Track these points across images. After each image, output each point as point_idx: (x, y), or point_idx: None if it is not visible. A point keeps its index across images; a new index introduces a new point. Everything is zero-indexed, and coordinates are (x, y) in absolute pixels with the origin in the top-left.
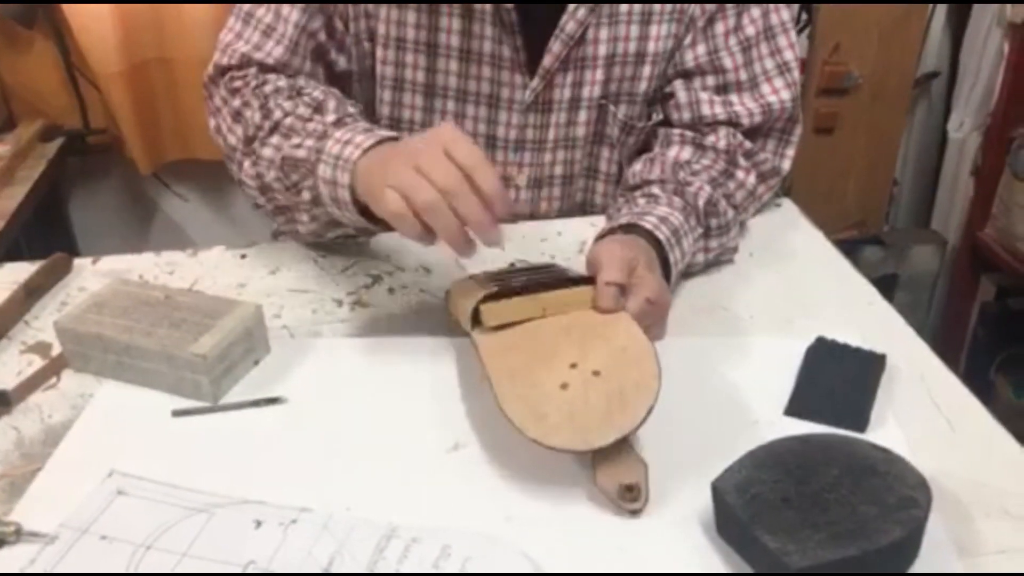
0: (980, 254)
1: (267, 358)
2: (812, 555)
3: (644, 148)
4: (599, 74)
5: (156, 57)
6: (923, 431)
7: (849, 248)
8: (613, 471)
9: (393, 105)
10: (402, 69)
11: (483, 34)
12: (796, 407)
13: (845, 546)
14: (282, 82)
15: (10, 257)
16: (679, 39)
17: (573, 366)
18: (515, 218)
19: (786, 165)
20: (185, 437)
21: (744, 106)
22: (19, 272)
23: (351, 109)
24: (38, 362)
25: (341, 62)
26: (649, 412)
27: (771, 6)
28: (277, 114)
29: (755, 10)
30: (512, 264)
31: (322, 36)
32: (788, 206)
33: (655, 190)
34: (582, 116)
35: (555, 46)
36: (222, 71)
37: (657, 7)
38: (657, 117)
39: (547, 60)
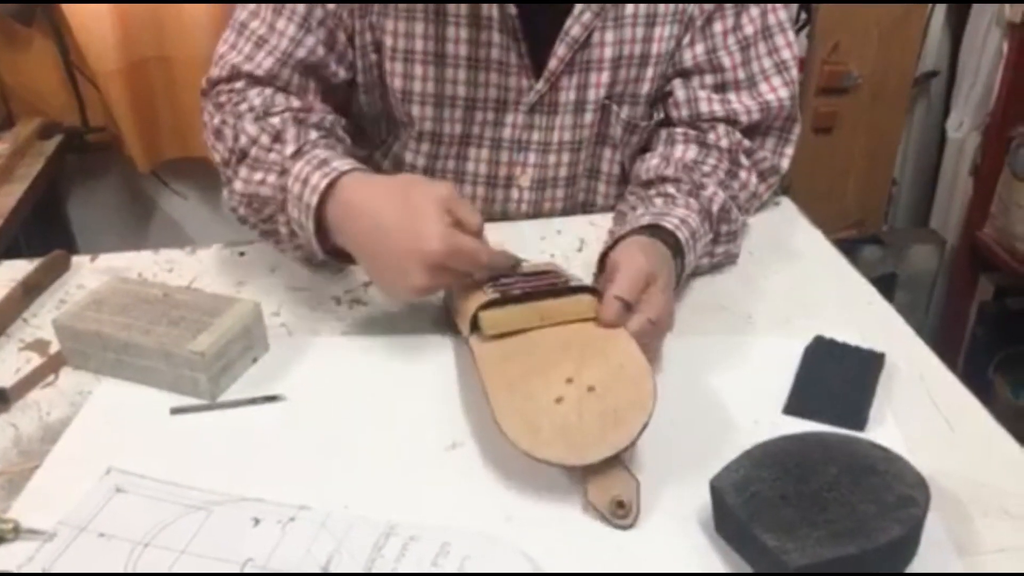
0: (979, 254)
1: (265, 356)
2: (811, 553)
3: (646, 148)
4: (604, 76)
5: (155, 55)
6: (922, 430)
7: (848, 247)
8: (604, 486)
9: (404, 115)
10: (411, 81)
11: (491, 41)
12: (795, 406)
13: (844, 545)
14: (257, 100)
15: (9, 255)
16: (680, 39)
17: (569, 380)
18: (517, 217)
19: (785, 164)
20: (183, 435)
21: (742, 104)
22: (17, 270)
23: (312, 135)
24: (36, 359)
25: (341, 74)
26: (642, 431)
27: (769, 6)
28: (243, 140)
29: (753, 9)
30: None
31: (321, 50)
32: (787, 205)
33: (671, 189)
34: (586, 118)
35: (560, 49)
36: (213, 84)
37: (661, 9)
38: (659, 116)
39: (552, 63)
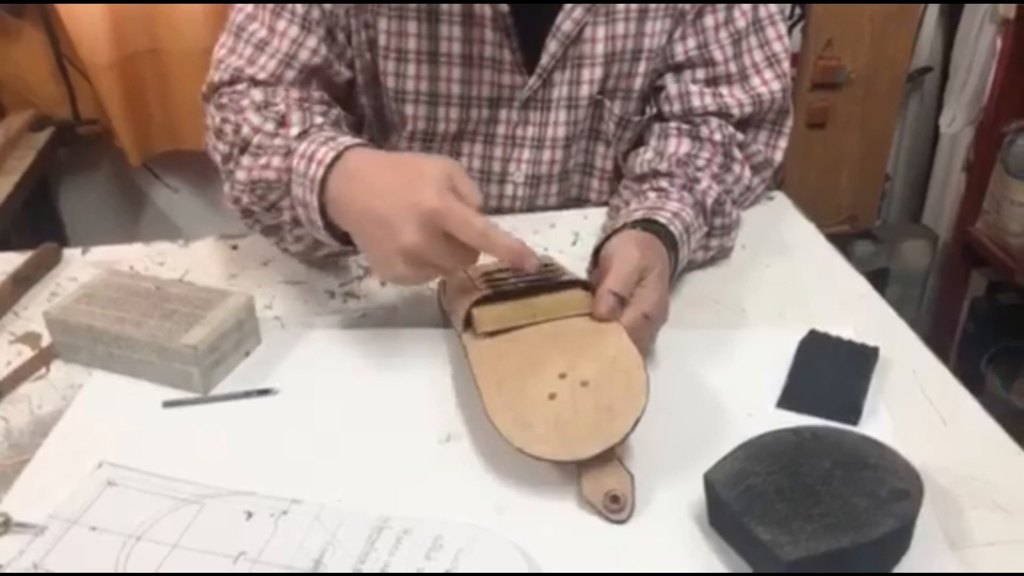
0: (971, 249)
1: (258, 349)
2: (804, 547)
3: (638, 143)
4: (597, 72)
5: (147, 48)
6: (915, 424)
7: (841, 243)
8: (598, 481)
9: (397, 114)
10: (404, 80)
11: (483, 39)
12: (788, 399)
13: (837, 538)
14: (258, 96)
15: None
16: (671, 34)
17: (562, 376)
18: (512, 212)
19: (778, 156)
20: (176, 428)
21: (734, 97)
22: (8, 262)
23: (318, 119)
24: (27, 352)
25: (344, 72)
26: (635, 425)
27: None
28: (245, 130)
29: (744, 3)
30: None
31: (323, 49)
32: (781, 199)
33: (664, 184)
34: (579, 113)
35: (552, 45)
36: (215, 88)
37: (653, 3)
38: (651, 111)
39: (544, 59)
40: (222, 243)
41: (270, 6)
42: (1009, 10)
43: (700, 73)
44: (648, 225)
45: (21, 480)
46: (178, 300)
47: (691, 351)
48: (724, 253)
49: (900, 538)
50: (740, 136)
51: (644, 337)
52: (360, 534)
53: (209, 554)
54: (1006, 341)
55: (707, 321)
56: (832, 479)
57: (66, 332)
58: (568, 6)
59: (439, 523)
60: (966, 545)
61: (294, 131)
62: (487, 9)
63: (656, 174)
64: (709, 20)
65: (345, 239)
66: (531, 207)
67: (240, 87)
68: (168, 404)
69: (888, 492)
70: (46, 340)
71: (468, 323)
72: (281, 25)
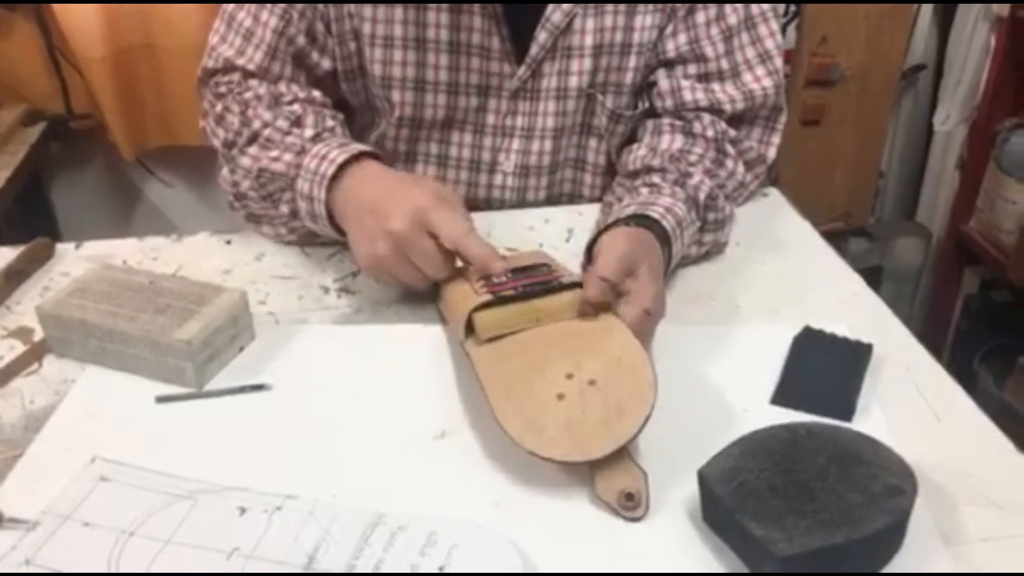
0: (965, 247)
1: (252, 345)
2: (798, 543)
3: (632, 138)
4: (586, 64)
5: (140, 43)
6: (908, 420)
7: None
8: (612, 480)
9: (384, 101)
10: (391, 67)
11: (472, 26)
12: (783, 396)
13: (831, 534)
14: (262, 89)
15: None
16: (663, 29)
17: (569, 376)
18: (501, 204)
19: (771, 153)
20: (169, 423)
21: (726, 93)
22: (0, 257)
23: (329, 123)
24: (20, 347)
25: (324, 64)
26: (646, 421)
27: None
28: (256, 124)
29: None
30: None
31: (301, 40)
32: (775, 196)
33: (656, 179)
34: (570, 105)
35: (541, 35)
36: (210, 74)
37: (641, 2)
38: (643, 106)
39: (534, 49)
40: (216, 238)
41: None
42: (1003, 8)
43: (692, 69)
44: (640, 220)
45: (13, 475)
46: (172, 295)
47: (686, 347)
48: (718, 248)
49: (894, 534)
50: (733, 132)
51: (645, 332)
52: (354, 530)
53: (202, 550)
54: (999, 339)
55: (702, 317)
56: (826, 475)
57: (59, 327)
58: None
59: (433, 519)
60: (959, 541)
61: (308, 132)
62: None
63: (649, 170)
64: (701, 16)
65: (341, 232)
66: (521, 200)
67: (235, 77)
68: (161, 399)
69: (882, 488)
70: (39, 335)
71: (470, 329)
72: (264, 15)
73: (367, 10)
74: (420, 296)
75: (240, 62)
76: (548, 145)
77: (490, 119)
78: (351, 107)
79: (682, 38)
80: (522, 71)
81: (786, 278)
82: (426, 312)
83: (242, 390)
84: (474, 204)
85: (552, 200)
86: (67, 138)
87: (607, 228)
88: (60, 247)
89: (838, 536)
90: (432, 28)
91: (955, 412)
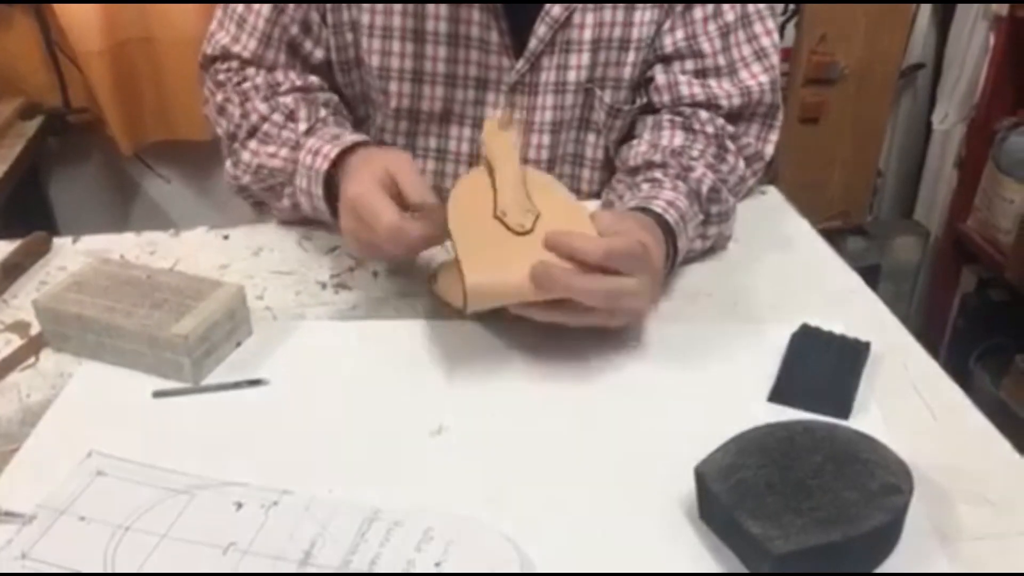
0: (962, 246)
1: (249, 340)
2: (795, 540)
3: (630, 134)
4: (584, 58)
5: (138, 36)
6: (905, 418)
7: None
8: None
9: (380, 93)
10: (388, 58)
11: (471, 19)
12: (780, 394)
13: (828, 531)
14: (260, 79)
15: None
16: (660, 25)
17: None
18: None
19: (769, 150)
20: (166, 418)
21: (723, 89)
22: None
23: (322, 112)
24: (17, 341)
25: (317, 54)
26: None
27: None
28: (254, 117)
29: None
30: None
31: (295, 29)
32: (773, 194)
33: (657, 174)
34: (568, 100)
35: (540, 29)
36: (210, 60)
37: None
38: (641, 101)
39: (533, 43)
40: (213, 233)
41: None
42: (1002, 7)
43: (689, 64)
44: (643, 215)
45: (10, 469)
46: (169, 290)
47: (684, 345)
48: (723, 242)
49: (890, 532)
50: (731, 128)
51: (620, 311)
52: (350, 526)
53: (199, 545)
54: (996, 337)
55: (699, 315)
56: (823, 473)
57: (56, 321)
58: None
59: (430, 515)
60: (956, 539)
61: (302, 127)
62: None
63: (650, 165)
64: (698, 13)
65: None
66: None
67: (232, 64)
68: (158, 394)
69: (878, 486)
70: (35, 329)
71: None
72: (257, 3)
73: None
74: (417, 292)
75: (235, 49)
76: (546, 139)
77: (488, 113)
78: (346, 99)
79: (679, 34)
80: (520, 65)
81: (784, 276)
82: (423, 308)
83: (239, 385)
84: None
85: None
86: (65, 132)
87: None
88: (57, 241)
89: (835, 534)
90: (431, 20)
91: (952, 411)
